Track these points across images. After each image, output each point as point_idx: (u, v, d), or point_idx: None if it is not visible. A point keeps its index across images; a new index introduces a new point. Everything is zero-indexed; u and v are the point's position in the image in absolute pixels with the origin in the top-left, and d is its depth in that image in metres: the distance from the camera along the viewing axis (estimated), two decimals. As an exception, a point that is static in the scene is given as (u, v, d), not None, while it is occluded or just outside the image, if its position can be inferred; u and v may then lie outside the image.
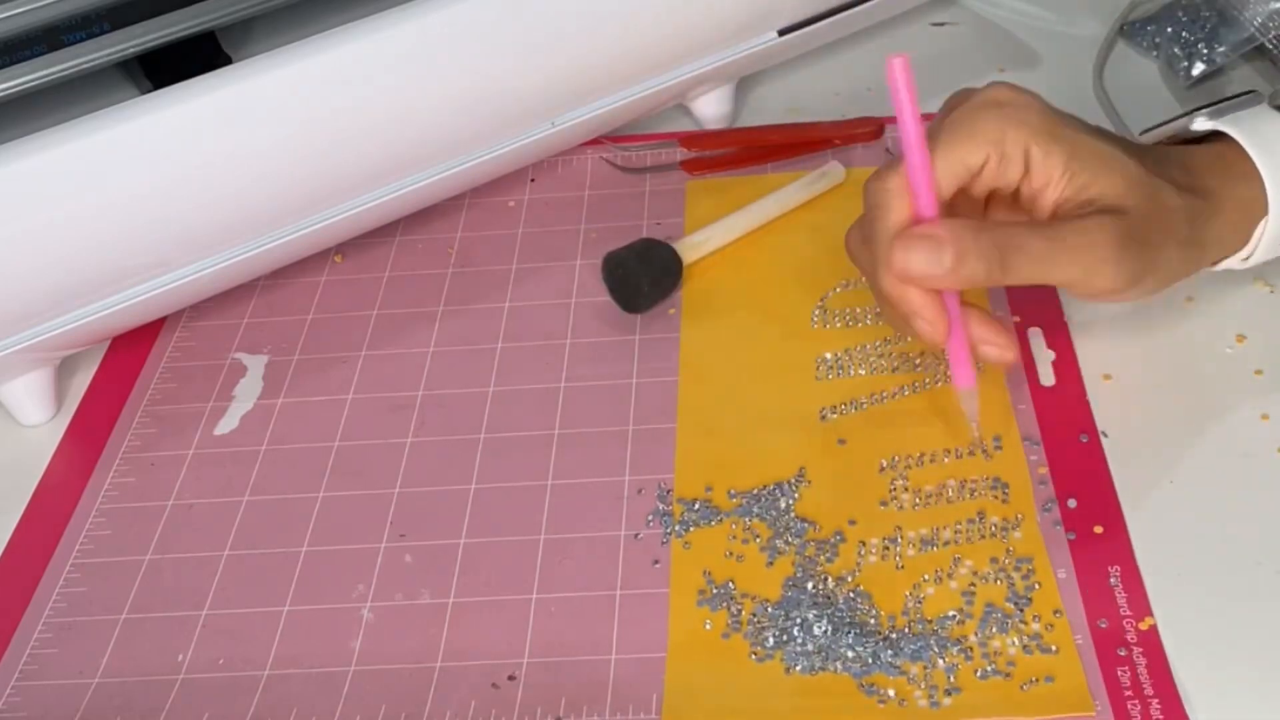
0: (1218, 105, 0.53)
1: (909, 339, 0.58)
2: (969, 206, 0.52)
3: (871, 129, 0.70)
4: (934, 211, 0.49)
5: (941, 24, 0.78)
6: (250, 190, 0.58)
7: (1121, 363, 0.57)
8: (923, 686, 0.47)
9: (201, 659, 0.50)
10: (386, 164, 0.61)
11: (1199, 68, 0.69)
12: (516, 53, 0.61)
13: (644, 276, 0.62)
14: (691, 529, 0.53)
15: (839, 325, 0.60)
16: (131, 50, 0.56)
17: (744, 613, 0.50)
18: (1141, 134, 0.56)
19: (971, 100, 0.51)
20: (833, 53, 0.76)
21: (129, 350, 0.63)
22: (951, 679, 0.47)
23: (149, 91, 0.56)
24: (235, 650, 0.50)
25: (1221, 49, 0.69)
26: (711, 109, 0.71)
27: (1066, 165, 0.49)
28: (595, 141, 0.71)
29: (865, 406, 0.57)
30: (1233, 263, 0.54)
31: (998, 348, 0.51)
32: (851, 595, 0.49)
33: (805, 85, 0.75)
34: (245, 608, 0.51)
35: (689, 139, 0.71)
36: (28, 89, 0.54)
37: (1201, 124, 0.53)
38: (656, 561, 0.52)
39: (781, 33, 0.68)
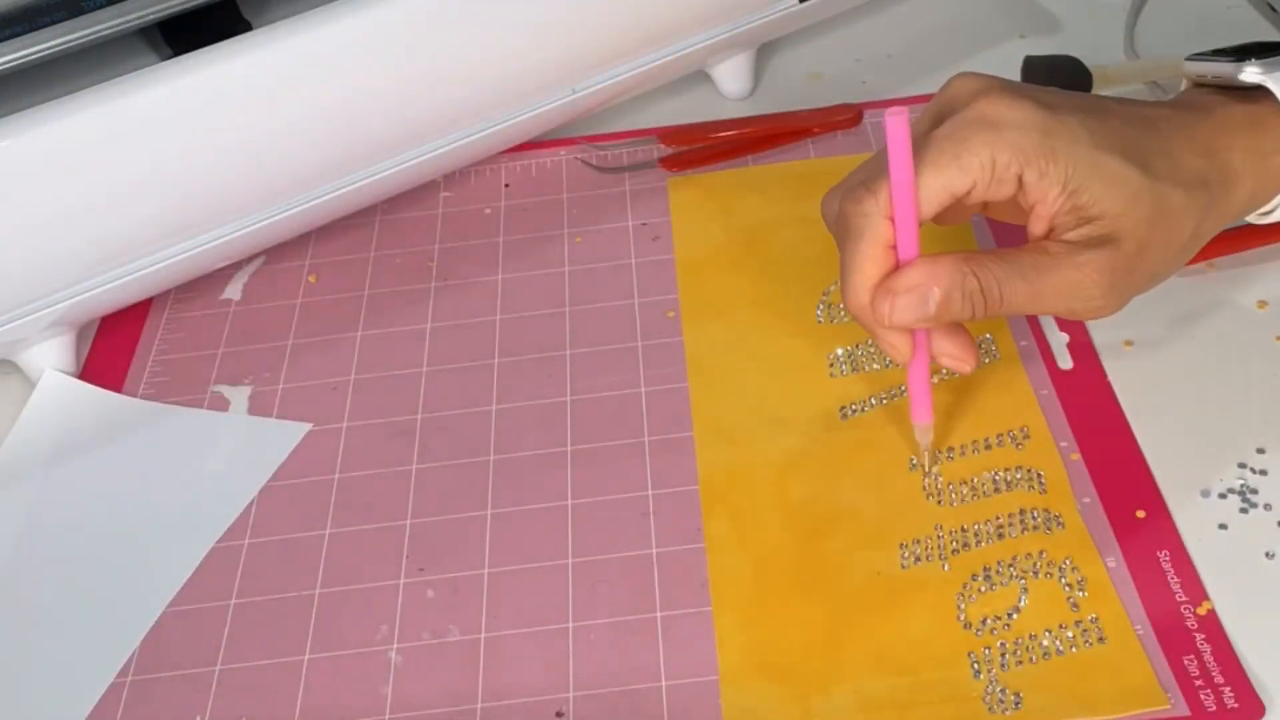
0: (1272, 57, 0.50)
1: None
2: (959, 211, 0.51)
3: (850, 116, 0.69)
4: (916, 252, 0.48)
5: None
6: (272, 158, 0.57)
7: (1142, 330, 0.56)
8: (987, 691, 0.45)
9: (222, 718, 0.47)
10: (408, 130, 0.60)
11: None
12: (537, 18, 0.60)
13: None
14: (728, 542, 0.50)
15: (845, 320, 0.59)
16: (151, 16, 0.56)
17: (793, 627, 0.48)
18: (1187, 60, 0.52)
19: (963, 116, 0.48)
20: (854, 18, 0.75)
21: (99, 385, 0.59)
22: (1015, 682, 0.45)
23: (169, 58, 0.56)
24: (258, 706, 0.47)
25: None
26: (731, 76, 0.71)
27: (1064, 186, 0.47)
28: (570, 141, 0.69)
29: (885, 402, 0.55)
30: (1252, 217, 0.52)
31: (954, 359, 0.50)
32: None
33: (825, 51, 0.74)
34: (262, 659, 0.48)
35: (668, 135, 0.69)
36: (48, 55, 0.54)
37: (1250, 75, 0.49)
38: (695, 579, 0.49)
39: (802, -1, 0.67)
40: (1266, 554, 0.49)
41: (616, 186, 0.67)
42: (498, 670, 0.47)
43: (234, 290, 0.64)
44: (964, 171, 0.47)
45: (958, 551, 0.49)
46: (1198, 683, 0.45)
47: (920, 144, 0.48)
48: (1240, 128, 0.50)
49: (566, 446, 0.54)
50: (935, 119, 0.49)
